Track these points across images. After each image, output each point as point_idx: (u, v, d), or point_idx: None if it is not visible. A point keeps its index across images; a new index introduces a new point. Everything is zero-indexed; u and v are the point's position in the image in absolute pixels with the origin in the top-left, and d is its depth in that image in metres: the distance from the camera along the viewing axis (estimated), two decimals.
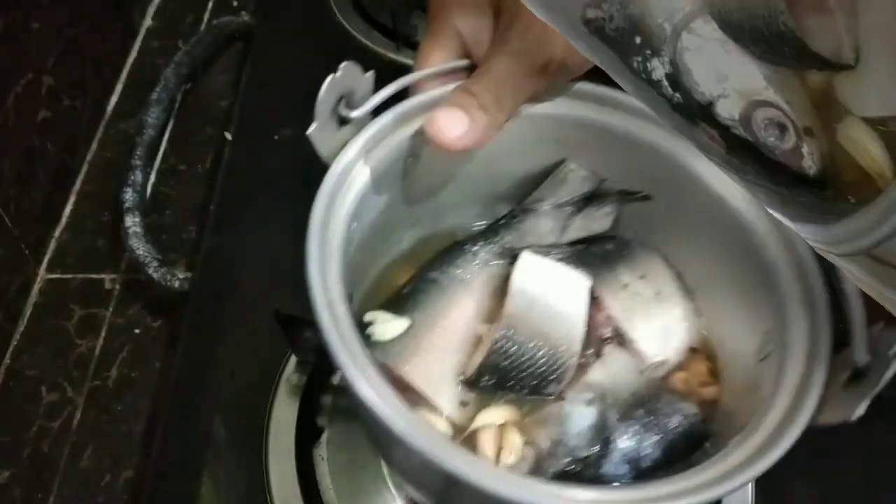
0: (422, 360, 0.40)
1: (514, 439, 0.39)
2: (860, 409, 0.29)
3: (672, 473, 0.32)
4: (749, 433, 0.33)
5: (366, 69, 0.37)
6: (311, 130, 0.36)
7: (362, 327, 0.41)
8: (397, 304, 0.43)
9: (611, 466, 0.38)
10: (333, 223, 0.36)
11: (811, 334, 0.36)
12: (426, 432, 0.30)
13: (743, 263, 0.41)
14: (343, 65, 0.36)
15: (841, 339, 0.34)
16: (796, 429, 0.32)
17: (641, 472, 0.38)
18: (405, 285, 0.45)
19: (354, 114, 0.37)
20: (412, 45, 0.74)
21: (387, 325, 0.41)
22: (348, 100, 0.37)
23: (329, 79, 0.35)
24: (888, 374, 0.29)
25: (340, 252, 0.35)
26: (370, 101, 0.38)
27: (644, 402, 0.40)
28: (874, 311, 0.32)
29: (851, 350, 0.32)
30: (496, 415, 0.40)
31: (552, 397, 0.40)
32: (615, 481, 0.38)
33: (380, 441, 0.40)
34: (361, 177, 0.39)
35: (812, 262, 0.38)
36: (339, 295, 0.33)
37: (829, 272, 0.37)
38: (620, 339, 0.44)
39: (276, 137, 0.68)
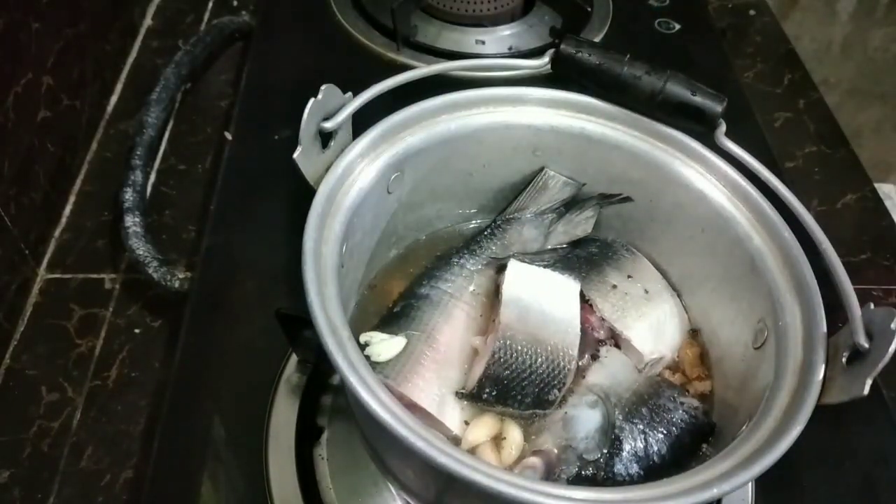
0: (422, 378, 0.40)
1: (514, 435, 0.39)
2: (867, 386, 0.30)
3: (681, 469, 0.32)
4: (762, 417, 0.32)
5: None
6: (296, 154, 0.36)
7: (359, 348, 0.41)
8: (390, 322, 0.43)
9: (622, 467, 0.38)
10: (325, 248, 0.36)
11: (805, 318, 0.36)
12: (439, 442, 0.30)
13: (728, 256, 0.41)
14: (323, 87, 0.36)
15: (835, 321, 0.34)
16: (806, 409, 0.32)
17: (652, 469, 0.38)
18: (395, 302, 0.45)
19: (329, 125, 0.37)
20: (412, 45, 0.74)
21: (383, 346, 0.41)
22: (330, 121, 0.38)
23: (310, 102, 0.36)
24: (892, 349, 0.30)
25: (335, 276, 0.35)
26: (346, 108, 0.38)
27: (646, 399, 0.40)
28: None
29: (850, 330, 0.33)
30: (486, 429, 0.40)
31: (555, 405, 0.40)
32: (628, 480, 0.38)
33: (384, 453, 0.40)
34: (347, 199, 0.39)
35: (798, 248, 0.38)
36: (340, 319, 0.34)
37: (817, 257, 0.37)
38: (615, 339, 0.44)
39: (276, 137, 0.68)
